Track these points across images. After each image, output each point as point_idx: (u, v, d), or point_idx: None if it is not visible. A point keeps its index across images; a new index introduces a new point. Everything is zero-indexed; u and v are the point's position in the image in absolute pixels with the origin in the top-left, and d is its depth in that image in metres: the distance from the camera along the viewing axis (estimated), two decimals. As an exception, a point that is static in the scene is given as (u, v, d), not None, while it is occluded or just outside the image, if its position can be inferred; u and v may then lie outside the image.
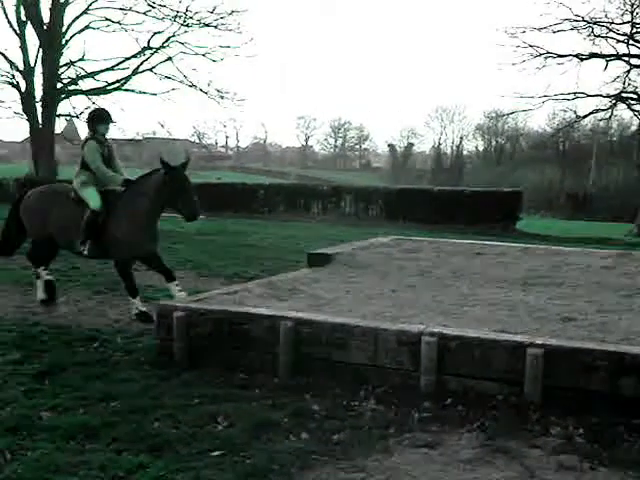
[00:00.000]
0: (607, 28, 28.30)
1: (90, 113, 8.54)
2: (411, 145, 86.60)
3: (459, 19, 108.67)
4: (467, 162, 73.21)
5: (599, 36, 28.42)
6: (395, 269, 8.71)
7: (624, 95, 29.27)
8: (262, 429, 4.59)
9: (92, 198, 7.99)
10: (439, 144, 78.38)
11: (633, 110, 30.26)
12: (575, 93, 29.55)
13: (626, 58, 28.55)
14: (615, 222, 34.87)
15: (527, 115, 56.84)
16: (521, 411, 4.80)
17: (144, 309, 7.73)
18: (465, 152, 75.25)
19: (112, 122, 8.41)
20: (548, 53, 28.47)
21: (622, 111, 40.46)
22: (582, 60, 28.80)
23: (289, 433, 4.55)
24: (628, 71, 28.64)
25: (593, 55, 28.75)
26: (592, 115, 31.91)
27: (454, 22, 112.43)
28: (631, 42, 28.17)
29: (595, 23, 28.15)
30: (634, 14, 27.75)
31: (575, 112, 33.25)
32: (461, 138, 76.74)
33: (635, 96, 29.01)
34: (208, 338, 5.94)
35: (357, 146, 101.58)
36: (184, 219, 7.77)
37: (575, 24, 28.20)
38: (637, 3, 27.55)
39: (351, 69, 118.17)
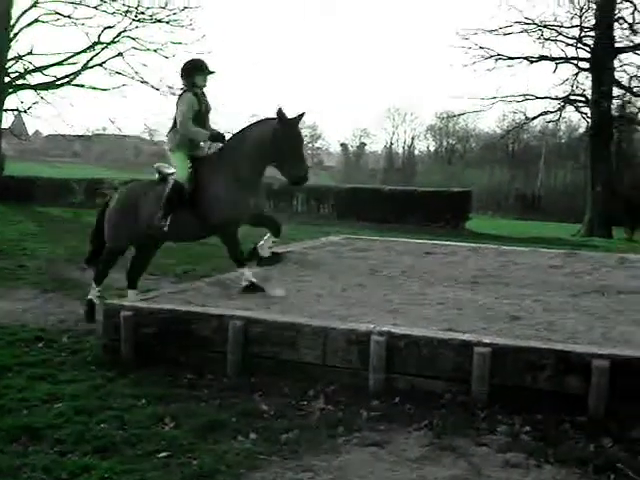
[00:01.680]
0: (556, 31, 28.82)
1: (185, 63, 7.43)
2: (363, 145, 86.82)
3: (412, 20, 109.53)
4: (419, 162, 73.70)
5: (549, 39, 28.94)
6: (346, 268, 8.72)
7: (572, 98, 29.82)
8: (209, 429, 4.56)
9: (180, 167, 7.14)
10: (391, 144, 78.83)
11: (581, 112, 30.86)
12: (524, 95, 30.02)
13: (575, 61, 29.12)
14: (563, 222, 35.51)
15: (478, 116, 57.43)
16: (468, 409, 4.84)
17: (254, 280, 7.06)
18: (417, 152, 75.74)
19: (211, 72, 7.33)
20: (498, 55, 28.87)
21: (570, 113, 41.35)
22: (532, 62, 29.27)
23: (237, 433, 4.52)
24: (576, 74, 29.22)
25: (542, 58, 29.24)
26: (541, 117, 32.47)
27: (407, 23, 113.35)
28: (579, 45, 28.73)
29: (545, 26, 28.66)
30: (583, 18, 28.35)
31: (524, 114, 33.75)
32: (413, 138, 77.32)
33: (583, 99, 29.56)
34: (156, 338, 5.87)
35: (310, 145, 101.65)
36: (289, 181, 7.03)
37: (525, 27, 28.70)
38: (586, 7, 28.12)
39: (303, 68, 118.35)
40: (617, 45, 28.17)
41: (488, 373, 4.92)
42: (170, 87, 30.08)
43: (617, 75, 28.56)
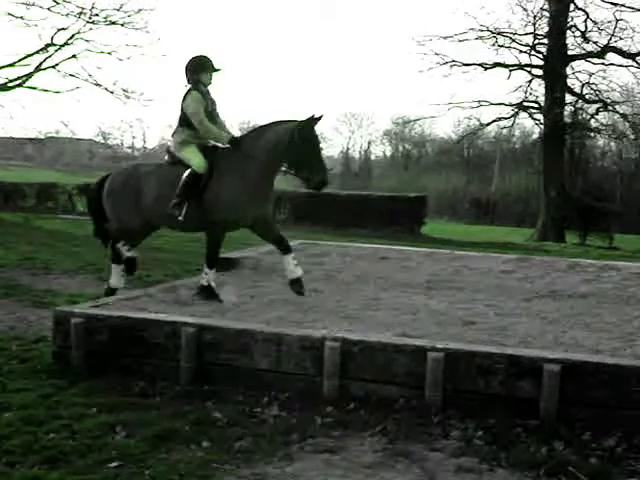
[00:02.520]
0: (511, 39, 29.22)
1: (190, 60, 7.22)
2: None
3: (370, 25, 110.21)
4: (375, 167, 74.04)
5: (503, 46, 29.31)
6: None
7: (526, 104, 30.24)
8: (162, 438, 4.49)
9: (194, 157, 6.95)
10: (347, 149, 79.11)
11: (534, 119, 31.31)
12: (479, 101, 30.35)
13: (528, 68, 29.53)
14: (518, 227, 35.98)
15: (433, 121, 57.98)
16: (422, 414, 4.86)
17: (213, 285, 6.96)
18: (373, 157, 76.09)
19: (216, 70, 7.18)
20: (453, 61, 29.15)
21: (524, 119, 41.97)
22: (486, 69, 29.61)
23: (190, 442, 4.46)
24: (530, 81, 29.65)
25: (497, 65, 29.60)
26: (495, 123, 32.85)
27: (364, 28, 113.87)
28: (533, 53, 29.17)
29: (499, 34, 29.03)
30: (536, 26, 28.79)
31: (479, 120, 34.12)
32: (369, 143, 77.69)
33: (536, 105, 30.00)
34: (107, 345, 5.78)
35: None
36: (308, 186, 6.80)
37: (480, 34, 29.01)
38: (539, 15, 28.57)
39: (258, 72, 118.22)
40: (570, 53, 28.69)
41: (441, 378, 4.94)
42: (125, 90, 29.81)
43: (569, 82, 29.08)
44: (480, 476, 4.09)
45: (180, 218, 6.86)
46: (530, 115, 31.12)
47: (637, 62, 28.13)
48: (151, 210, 7.14)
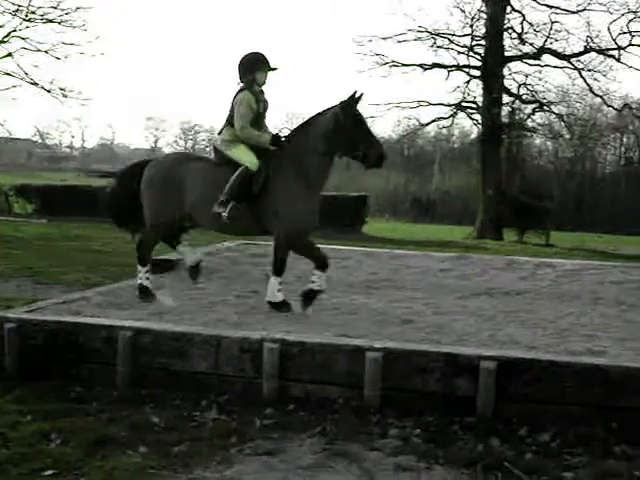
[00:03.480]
0: (449, 40, 29.55)
1: (245, 57, 6.80)
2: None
3: (312, 26, 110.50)
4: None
5: (441, 47, 29.63)
6: (240, 274, 8.68)
7: (464, 104, 30.62)
8: (98, 445, 4.40)
9: (245, 155, 6.59)
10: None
11: (472, 119, 31.70)
12: (418, 101, 30.63)
13: (466, 69, 29.91)
14: (457, 225, 36.44)
15: (374, 121, 58.34)
16: (361, 414, 4.87)
17: (279, 295, 6.68)
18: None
19: (273, 69, 6.80)
20: (393, 62, 29.35)
21: (463, 119, 42.54)
22: (425, 70, 29.89)
23: (126, 448, 4.38)
24: (468, 81, 30.03)
25: (435, 65, 29.91)
26: (434, 123, 33.16)
27: (307, 29, 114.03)
28: (471, 54, 29.55)
29: (438, 35, 29.33)
30: (474, 27, 29.16)
31: (418, 120, 34.44)
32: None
33: (474, 105, 30.40)
34: (42, 350, 5.64)
35: (208, 149, 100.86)
36: (367, 164, 6.43)
37: (419, 35, 29.27)
38: (477, 17, 28.96)
39: (201, 71, 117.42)
40: (507, 54, 29.14)
41: (380, 377, 4.96)
42: (62, 89, 29.25)
43: (506, 83, 29.53)
44: (418, 474, 4.12)
45: (224, 214, 6.50)
46: (468, 115, 31.53)
47: (572, 63, 28.74)
48: (194, 208, 6.79)
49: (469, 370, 4.91)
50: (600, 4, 27.48)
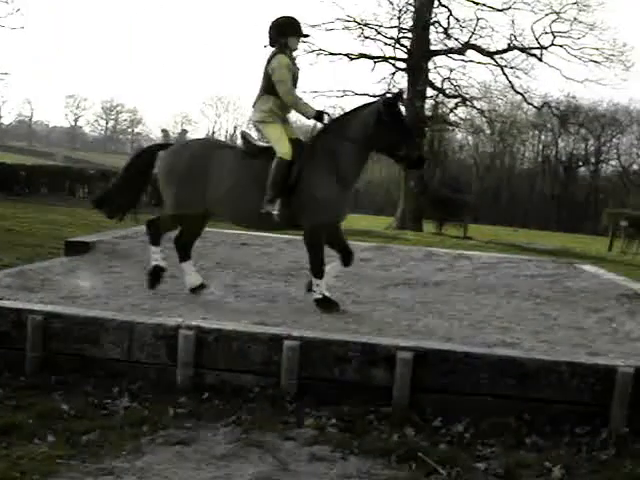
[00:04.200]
0: (376, 31, 29.67)
1: (279, 19, 6.49)
2: (185, 131, 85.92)
3: (241, 9, 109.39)
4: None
5: (368, 38, 29.74)
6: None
7: (389, 96, 30.81)
8: (3, 433, 4.20)
9: (280, 141, 6.25)
10: (214, 132, 78.36)
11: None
12: (344, 91, 30.68)
13: (392, 61, 30.11)
14: (378, 215, 36.79)
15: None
16: (277, 403, 4.81)
17: (328, 294, 6.49)
18: (238, 142, 76.00)
19: (306, 35, 6.64)
20: (320, 50, 29.30)
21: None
22: (352, 59, 29.95)
23: (33, 436, 4.20)
24: (394, 73, 30.24)
25: (362, 56, 30.01)
26: (359, 113, 33.21)
27: (234, 12, 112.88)
28: (397, 46, 29.74)
29: (365, 25, 29.41)
30: (401, 20, 29.36)
31: (343, 109, 34.47)
32: (235, 127, 77.27)
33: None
34: (-55, 334, 5.39)
35: (129, 129, 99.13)
36: (407, 165, 6.45)
37: (347, 24, 29.29)
38: (404, 10, 29.16)
39: (124, 49, 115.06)
40: (432, 48, 29.46)
41: (297, 366, 4.92)
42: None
43: (431, 76, 29.87)
44: (333, 464, 4.09)
45: (276, 212, 6.21)
46: (393, 107, 31.74)
47: (495, 60, 29.26)
48: (222, 204, 6.47)
49: (386, 360, 4.91)
50: (525, 3, 28.09)
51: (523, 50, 28.75)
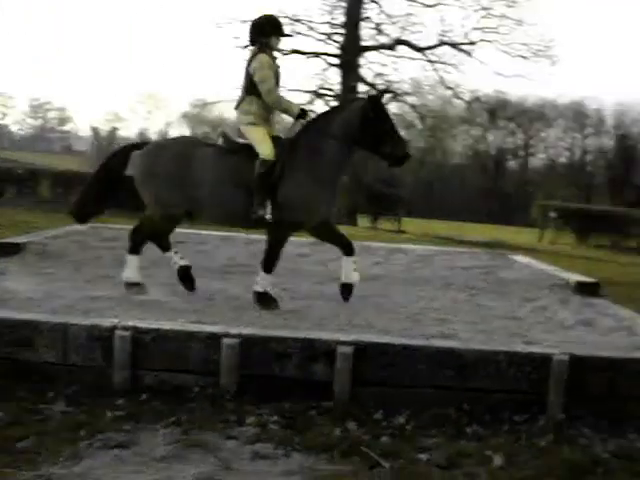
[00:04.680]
0: (308, 26, 29.66)
1: (260, 19, 6.45)
2: (115, 129, 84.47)
3: (172, 6, 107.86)
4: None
5: (300, 33, 29.70)
6: (91, 259, 8.34)
7: (321, 92, 30.87)
8: None
9: (262, 143, 6.17)
10: (145, 130, 77.31)
11: (329, 106, 32.01)
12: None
13: (324, 57, 30.15)
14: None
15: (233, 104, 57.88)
16: (217, 402, 4.76)
17: (270, 290, 6.46)
18: (171, 139, 75.14)
19: (287, 35, 6.54)
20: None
21: (321, 106, 42.98)
22: (284, 55, 29.87)
23: (-37, 445, 4.08)
24: (326, 69, 30.29)
25: (295, 51, 29.97)
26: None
27: (165, 9, 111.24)
28: (329, 42, 29.79)
29: (297, 20, 29.36)
30: (333, 15, 29.40)
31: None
32: (167, 125, 76.41)
33: (332, 93, 30.72)
34: None
35: (58, 128, 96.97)
36: (391, 162, 6.21)
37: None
38: (336, 5, 29.20)
39: (52, 47, 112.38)
40: (364, 44, 29.59)
41: (237, 364, 4.88)
42: None
43: (363, 72, 30.01)
44: (275, 462, 4.07)
45: (268, 216, 6.17)
46: (326, 103, 31.81)
47: (426, 56, 29.57)
48: (205, 205, 6.37)
49: (326, 355, 4.91)
50: (454, -1, 28.44)
51: (453, 46, 29.10)
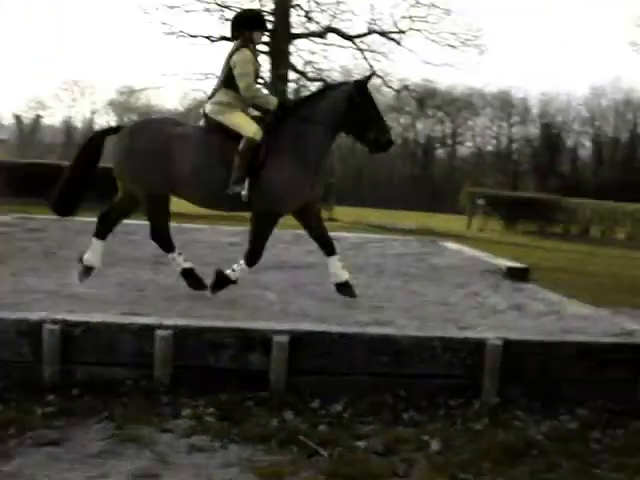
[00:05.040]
0: (238, 14, 29.34)
1: (242, 13, 6.60)
2: (39, 117, 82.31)
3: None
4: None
5: (229, 20, 29.38)
6: (16, 251, 8.09)
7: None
8: None
9: (247, 124, 6.07)
10: (70, 118, 75.57)
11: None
12: (206, 74, 30.22)
13: (254, 44, 29.91)
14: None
15: (160, 92, 57.06)
16: (151, 395, 4.66)
17: (237, 278, 6.33)
18: (97, 127, 73.49)
19: (268, 30, 6.23)
20: (180, 32, 28.71)
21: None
22: (213, 42, 29.52)
23: None
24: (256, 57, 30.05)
25: (223, 38, 29.64)
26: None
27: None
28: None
29: (226, 7, 29.04)
30: (262, 3, 29.17)
31: (205, 92, 34.00)
32: (93, 113, 74.87)
33: (262, 81, 30.44)
34: None
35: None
36: (374, 148, 6.16)
37: (207, 6, 28.80)
38: (265, -8, 28.96)
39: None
40: (294, 31, 29.47)
41: (171, 356, 4.79)
42: None
43: (293, 60, 29.91)
44: (213, 454, 4.02)
45: (244, 193, 6.03)
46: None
47: (355, 44, 29.64)
48: (185, 185, 6.20)
49: (262, 345, 4.87)
50: (383, -14, 28.56)
51: (382, 34, 29.23)
